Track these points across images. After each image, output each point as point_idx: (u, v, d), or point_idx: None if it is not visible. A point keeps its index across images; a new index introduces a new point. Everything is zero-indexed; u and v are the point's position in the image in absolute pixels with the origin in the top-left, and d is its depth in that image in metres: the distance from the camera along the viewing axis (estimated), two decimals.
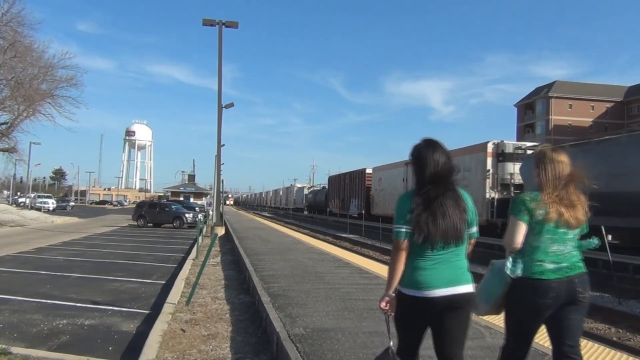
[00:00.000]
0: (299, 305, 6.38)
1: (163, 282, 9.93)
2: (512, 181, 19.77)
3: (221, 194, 29.55)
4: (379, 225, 24.97)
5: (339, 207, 40.16)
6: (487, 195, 19.89)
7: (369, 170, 34.70)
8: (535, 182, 3.04)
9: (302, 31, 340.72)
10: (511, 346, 3.02)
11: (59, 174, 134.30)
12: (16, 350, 5.04)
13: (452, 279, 2.75)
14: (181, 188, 59.95)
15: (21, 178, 74.23)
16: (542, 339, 5.08)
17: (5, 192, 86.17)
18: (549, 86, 72.23)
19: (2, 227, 26.48)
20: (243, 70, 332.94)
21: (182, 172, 75.82)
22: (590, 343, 5.05)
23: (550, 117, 69.72)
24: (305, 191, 60.39)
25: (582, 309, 2.96)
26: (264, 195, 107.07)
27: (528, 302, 2.88)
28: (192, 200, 52.75)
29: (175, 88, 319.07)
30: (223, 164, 32.04)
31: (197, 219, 26.70)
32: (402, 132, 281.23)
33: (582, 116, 69.05)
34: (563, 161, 3.00)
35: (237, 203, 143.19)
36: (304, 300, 6.76)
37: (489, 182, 20.07)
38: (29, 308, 7.22)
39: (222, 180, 31.82)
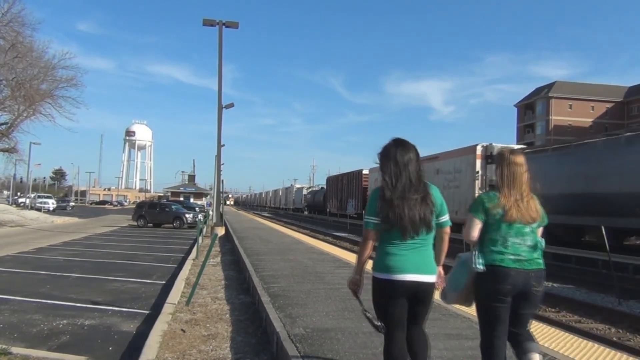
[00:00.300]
0: (299, 305, 6.38)
1: (163, 282, 9.93)
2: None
3: (221, 194, 29.55)
4: None
5: (337, 207, 40.43)
6: (476, 196, 20.22)
7: (365, 171, 34.96)
8: (494, 182, 3.32)
9: (302, 31, 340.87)
10: (486, 338, 3.18)
11: (59, 174, 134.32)
12: (16, 350, 5.04)
13: (420, 266, 3.03)
14: (181, 188, 59.90)
15: (21, 178, 74.36)
16: (544, 339, 5.08)
17: (5, 192, 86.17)
18: (549, 86, 72.24)
19: (2, 227, 26.48)
20: (243, 70, 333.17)
21: (182, 172, 75.94)
22: (590, 343, 5.05)
23: (550, 117, 69.73)
24: (304, 191, 61.33)
25: (534, 303, 3.21)
26: (263, 195, 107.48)
27: (488, 287, 3.11)
28: (192, 200, 52.71)
29: (175, 88, 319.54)
30: (223, 164, 32.05)
31: (197, 219, 26.69)
32: (402, 132, 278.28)
33: (582, 116, 69.05)
34: (520, 163, 3.22)
35: (237, 203, 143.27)
36: (304, 300, 6.76)
37: (478, 182, 20.60)
38: (29, 308, 7.22)
39: (222, 181, 31.82)
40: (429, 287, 3.09)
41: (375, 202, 3.06)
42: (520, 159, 3.24)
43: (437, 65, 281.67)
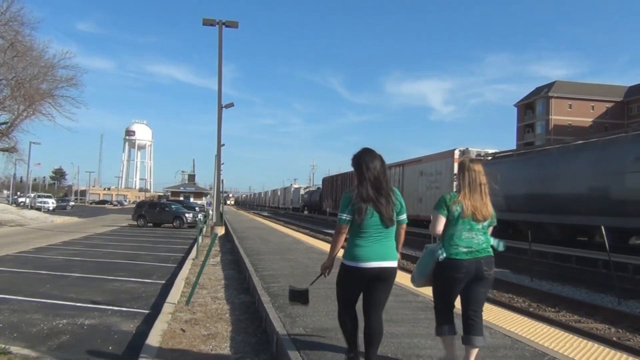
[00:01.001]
0: (299, 305, 6.36)
1: (163, 281, 9.93)
2: None
3: (221, 194, 29.54)
4: None
5: (332, 206, 41.99)
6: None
7: None
8: (456, 185, 3.95)
9: (302, 31, 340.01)
10: (439, 307, 3.94)
11: (59, 174, 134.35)
12: (16, 350, 5.04)
13: (383, 254, 3.63)
14: (181, 188, 59.92)
15: (21, 178, 74.32)
16: (544, 339, 5.08)
17: (5, 191, 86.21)
18: (549, 86, 72.18)
19: (2, 227, 26.48)
20: (243, 70, 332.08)
21: (182, 172, 75.76)
22: (590, 343, 5.05)
23: (550, 117, 69.69)
24: (302, 191, 64.49)
25: (487, 284, 3.83)
26: (262, 195, 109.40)
27: (446, 276, 3.77)
28: (192, 200, 52.73)
29: (175, 88, 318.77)
30: (223, 164, 32.04)
31: (197, 219, 26.69)
32: (402, 132, 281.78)
33: (582, 116, 69.02)
34: (478, 170, 3.82)
35: (237, 203, 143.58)
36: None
37: (455, 184, 21.99)
38: (29, 308, 7.21)
39: (222, 180, 31.81)
40: (392, 271, 3.69)
41: (349, 201, 3.64)
42: (479, 167, 3.85)
43: (437, 65, 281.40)
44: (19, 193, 78.45)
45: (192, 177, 65.81)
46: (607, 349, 4.83)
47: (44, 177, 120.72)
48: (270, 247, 15.02)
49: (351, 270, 3.65)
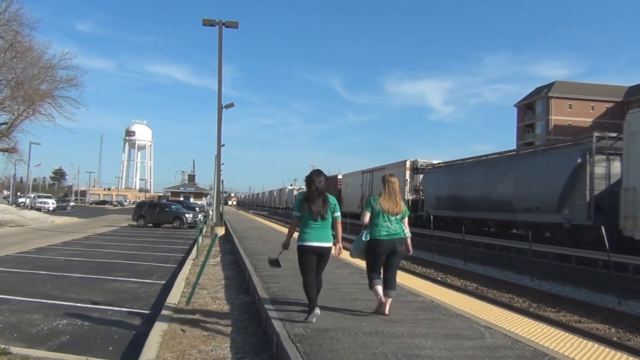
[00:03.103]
0: (299, 305, 6.37)
1: (163, 282, 9.93)
2: (421, 187, 28.73)
3: (222, 194, 29.52)
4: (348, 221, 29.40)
5: None
6: (405, 197, 26.81)
7: (339, 177, 45.03)
8: (380, 191, 5.94)
9: (302, 31, 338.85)
10: (369, 273, 5.87)
11: (59, 174, 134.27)
12: (16, 350, 5.03)
13: (320, 237, 5.49)
14: (181, 188, 59.92)
15: (21, 178, 74.21)
16: (544, 339, 5.09)
17: (5, 192, 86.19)
18: (549, 86, 72.16)
19: (2, 227, 26.48)
20: (242, 70, 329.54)
21: (182, 172, 75.86)
22: (590, 343, 5.05)
23: (550, 117, 69.67)
24: (295, 192, 68.90)
25: (399, 256, 5.86)
26: (260, 195, 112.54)
27: (372, 250, 5.77)
28: (192, 200, 52.75)
29: (175, 88, 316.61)
30: (223, 164, 32.04)
31: (197, 219, 26.69)
32: (402, 132, 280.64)
33: (582, 116, 68.99)
34: (393, 181, 5.90)
35: (238, 203, 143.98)
36: (304, 300, 6.74)
37: (407, 188, 28.82)
38: (29, 308, 7.22)
39: (222, 181, 31.78)
40: (326, 249, 5.53)
41: (299, 203, 5.56)
42: (394, 179, 5.94)
43: (437, 65, 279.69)
44: (19, 193, 78.39)
45: (192, 178, 65.84)
46: (607, 349, 4.83)
47: (44, 178, 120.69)
48: (270, 247, 15.00)
49: (300, 247, 5.52)
